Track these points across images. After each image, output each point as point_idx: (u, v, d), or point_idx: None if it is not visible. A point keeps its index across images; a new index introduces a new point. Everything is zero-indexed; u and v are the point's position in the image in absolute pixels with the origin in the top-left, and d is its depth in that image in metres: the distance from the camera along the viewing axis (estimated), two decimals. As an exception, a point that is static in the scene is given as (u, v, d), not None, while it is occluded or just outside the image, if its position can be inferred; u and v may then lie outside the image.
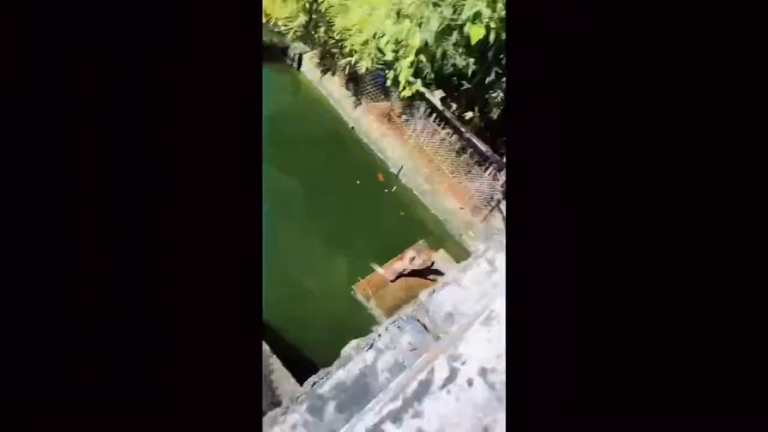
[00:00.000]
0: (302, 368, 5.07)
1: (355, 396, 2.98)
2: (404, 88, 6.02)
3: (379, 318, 5.83)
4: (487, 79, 5.75)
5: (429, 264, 6.20)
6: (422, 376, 3.18)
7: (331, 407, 2.90)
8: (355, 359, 3.17)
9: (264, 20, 7.78)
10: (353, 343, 4.63)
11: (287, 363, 4.98)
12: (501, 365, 3.29)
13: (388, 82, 6.47)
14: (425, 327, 3.58)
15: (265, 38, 8.36)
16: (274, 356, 4.98)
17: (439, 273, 6.22)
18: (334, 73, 8.38)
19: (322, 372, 3.14)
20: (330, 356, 5.26)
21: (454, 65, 5.80)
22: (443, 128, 7.17)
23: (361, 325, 5.73)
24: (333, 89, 8.47)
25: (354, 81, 8.05)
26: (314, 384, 2.98)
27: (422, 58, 5.52)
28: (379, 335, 3.31)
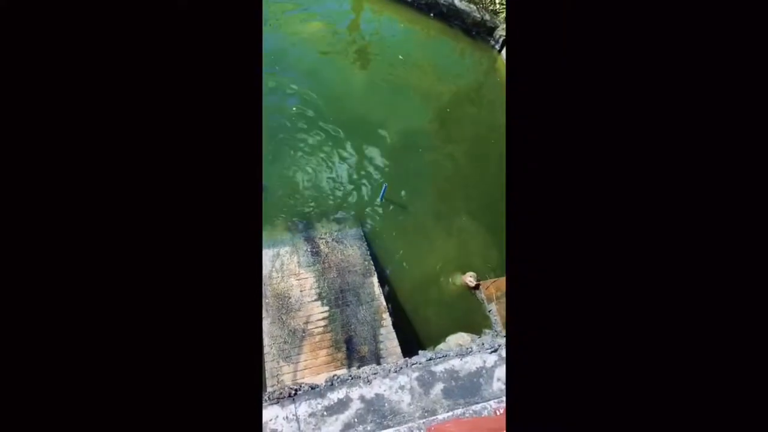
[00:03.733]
0: (407, 339, 5.26)
1: (464, 389, 2.93)
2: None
3: (496, 323, 5.64)
4: None
5: None
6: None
7: (438, 387, 2.90)
8: (474, 355, 3.10)
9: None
10: (466, 336, 4.58)
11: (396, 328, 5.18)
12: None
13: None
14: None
15: (477, 14, 8.30)
16: (387, 312, 5.22)
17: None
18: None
19: (440, 351, 3.14)
20: (435, 339, 5.30)
21: None
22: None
23: (475, 321, 5.63)
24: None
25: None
26: (430, 359, 3.00)
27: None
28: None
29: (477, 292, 6.08)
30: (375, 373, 2.86)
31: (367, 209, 6.20)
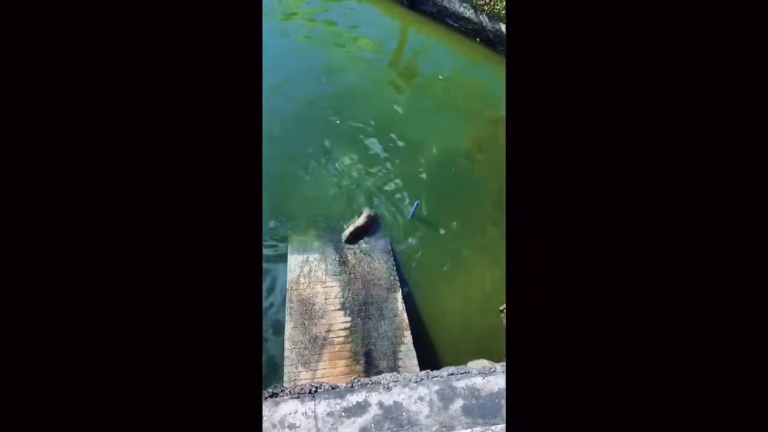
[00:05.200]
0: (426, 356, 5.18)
1: (484, 409, 2.86)
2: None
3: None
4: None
5: None
6: None
7: (458, 403, 2.84)
8: (498, 375, 3.03)
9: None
10: (486, 363, 4.48)
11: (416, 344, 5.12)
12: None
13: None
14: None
15: None
16: (409, 330, 5.17)
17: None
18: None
19: (462, 368, 3.09)
20: (455, 363, 5.19)
21: None
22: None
23: (498, 347, 5.48)
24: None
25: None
26: (452, 374, 2.96)
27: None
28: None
29: (502, 318, 5.93)
30: (395, 381, 2.84)
31: (399, 223, 6.23)
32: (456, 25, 8.30)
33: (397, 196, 6.45)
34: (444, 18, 8.32)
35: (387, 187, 6.51)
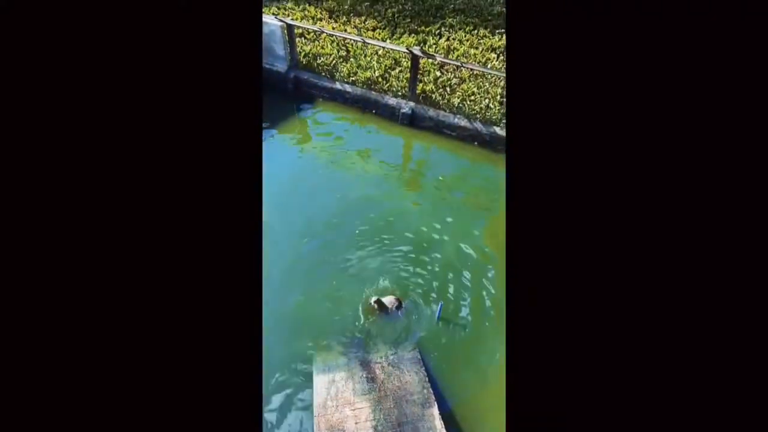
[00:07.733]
0: None
1: None
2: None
3: None
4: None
5: None
6: None
7: None
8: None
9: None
10: None
11: None
12: None
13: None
14: None
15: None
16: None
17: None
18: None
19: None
20: None
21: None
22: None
23: None
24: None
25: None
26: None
27: None
28: None
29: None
30: None
31: (424, 332, 5.94)
32: (454, 134, 8.94)
33: (418, 298, 6.28)
34: (441, 129, 9.01)
35: (407, 291, 6.36)
